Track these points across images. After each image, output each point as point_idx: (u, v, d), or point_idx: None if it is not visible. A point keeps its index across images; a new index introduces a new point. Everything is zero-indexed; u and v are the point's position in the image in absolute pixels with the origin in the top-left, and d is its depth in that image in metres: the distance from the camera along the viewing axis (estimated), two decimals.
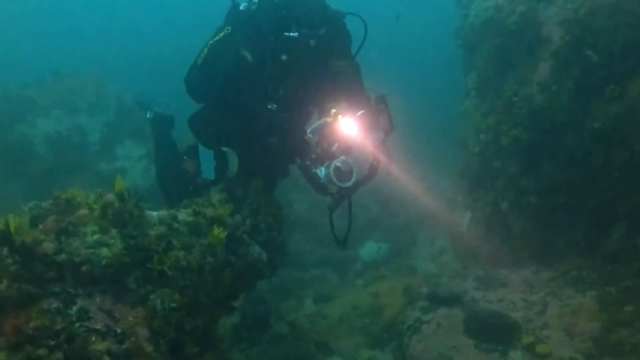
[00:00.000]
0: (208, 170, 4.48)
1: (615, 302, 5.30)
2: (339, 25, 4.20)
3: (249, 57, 3.99)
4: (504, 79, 7.02)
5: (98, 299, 2.69)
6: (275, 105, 3.96)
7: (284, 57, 3.95)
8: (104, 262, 2.78)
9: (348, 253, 8.82)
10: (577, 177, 6.03)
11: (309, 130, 3.90)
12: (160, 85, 6.67)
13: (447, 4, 9.46)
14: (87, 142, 10.86)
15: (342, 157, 3.77)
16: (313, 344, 6.24)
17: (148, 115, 5.53)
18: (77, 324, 2.50)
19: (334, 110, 3.86)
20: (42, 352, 2.31)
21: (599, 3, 5.66)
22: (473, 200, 7.87)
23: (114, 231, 2.96)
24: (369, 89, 4.31)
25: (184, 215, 3.51)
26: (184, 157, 4.97)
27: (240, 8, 4.30)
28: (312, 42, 3.96)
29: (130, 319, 2.70)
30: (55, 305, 2.51)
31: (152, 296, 2.88)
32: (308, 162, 3.85)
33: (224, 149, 4.40)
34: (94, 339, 2.47)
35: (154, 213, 3.37)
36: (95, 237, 2.89)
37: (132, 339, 2.61)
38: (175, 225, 3.34)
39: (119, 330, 2.59)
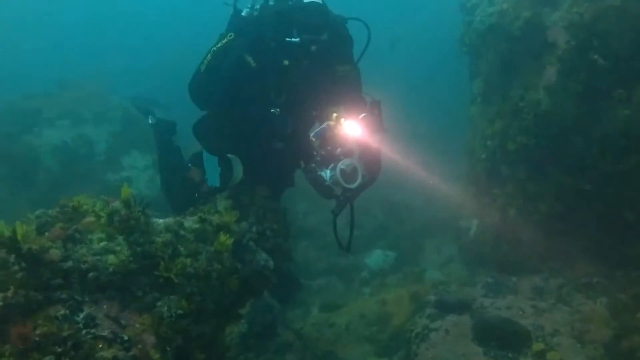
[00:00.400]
0: (213, 177, 4.48)
1: (626, 309, 5.24)
2: (341, 31, 4.21)
3: (252, 63, 4.02)
4: (510, 85, 6.98)
5: (105, 306, 2.68)
6: (278, 110, 3.98)
7: (286, 63, 3.98)
8: (110, 269, 2.78)
9: (354, 261, 8.79)
10: (586, 182, 5.97)
11: (312, 134, 3.91)
12: (165, 94, 6.69)
13: (452, 10, 9.48)
14: (93, 152, 10.94)
15: (347, 159, 3.78)
16: (320, 353, 6.20)
17: (150, 121, 5.55)
18: (84, 331, 2.49)
19: (335, 114, 3.88)
20: (48, 359, 2.32)
21: (604, 7, 5.63)
22: (480, 206, 7.82)
23: (120, 238, 2.96)
24: (365, 93, 4.31)
25: (190, 222, 3.51)
26: (189, 165, 4.96)
27: (243, 14, 4.34)
28: (313, 47, 3.98)
29: (137, 326, 2.69)
30: (62, 312, 2.51)
31: (158, 303, 2.87)
32: (313, 165, 3.86)
33: (229, 155, 4.40)
34: (100, 345, 2.47)
35: (160, 220, 3.36)
36: (101, 244, 2.89)
37: (139, 346, 2.60)
38: (182, 232, 3.33)
39: (125, 337, 2.59)
